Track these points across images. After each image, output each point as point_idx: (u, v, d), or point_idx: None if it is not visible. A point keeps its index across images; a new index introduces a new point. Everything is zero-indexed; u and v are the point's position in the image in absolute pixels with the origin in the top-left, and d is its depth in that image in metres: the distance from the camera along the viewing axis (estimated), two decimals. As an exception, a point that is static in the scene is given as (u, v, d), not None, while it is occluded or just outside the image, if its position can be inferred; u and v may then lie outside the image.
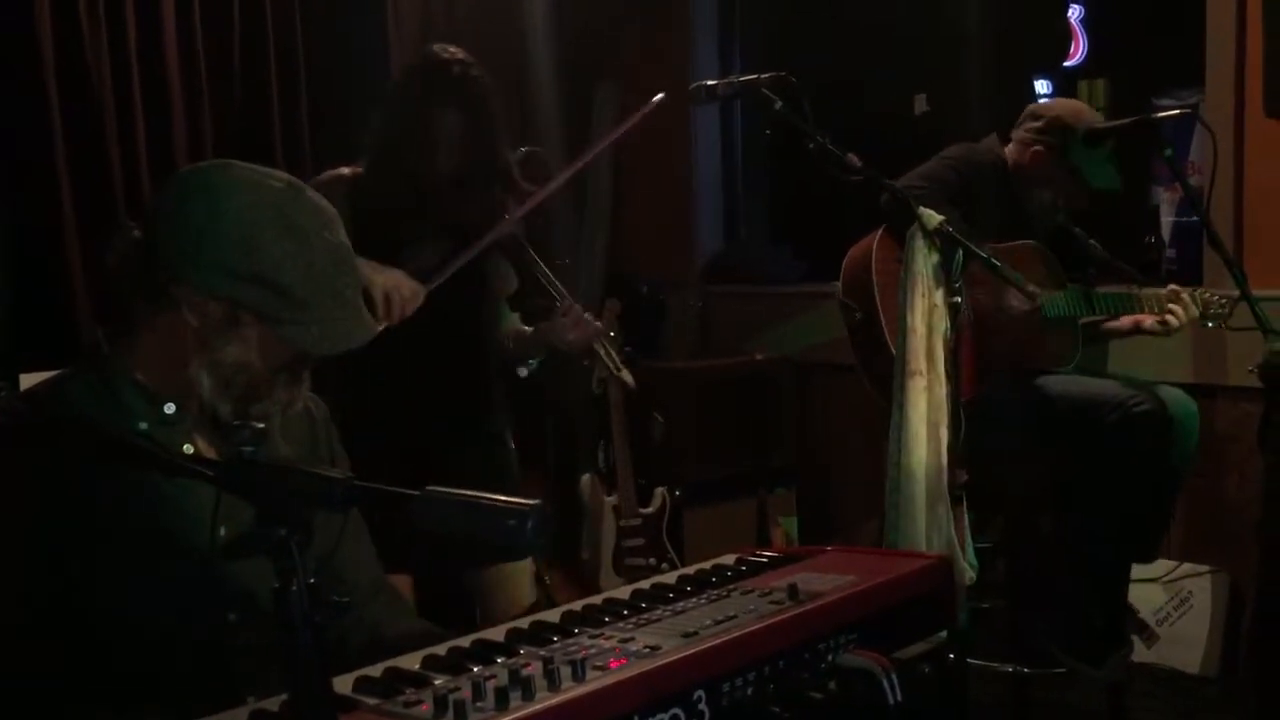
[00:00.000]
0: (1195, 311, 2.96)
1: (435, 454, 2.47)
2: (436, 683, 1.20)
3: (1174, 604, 3.46)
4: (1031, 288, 2.91)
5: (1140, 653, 3.40)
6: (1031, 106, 3.15)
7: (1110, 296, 3.05)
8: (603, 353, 2.58)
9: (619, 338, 2.85)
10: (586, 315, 2.51)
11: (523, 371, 2.62)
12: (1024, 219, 3.05)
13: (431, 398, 2.54)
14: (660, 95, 2.57)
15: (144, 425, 1.50)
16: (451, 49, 2.52)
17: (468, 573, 2.61)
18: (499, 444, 2.65)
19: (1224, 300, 2.95)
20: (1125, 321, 3.09)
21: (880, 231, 2.96)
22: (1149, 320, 3.02)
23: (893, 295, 2.80)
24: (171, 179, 1.58)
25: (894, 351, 2.42)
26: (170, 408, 1.52)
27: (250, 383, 1.51)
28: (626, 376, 2.66)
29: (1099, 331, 3.14)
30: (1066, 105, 3.12)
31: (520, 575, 2.66)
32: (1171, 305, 2.98)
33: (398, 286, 2.34)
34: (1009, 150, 3.10)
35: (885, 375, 2.53)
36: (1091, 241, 3.16)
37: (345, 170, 2.55)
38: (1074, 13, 4.14)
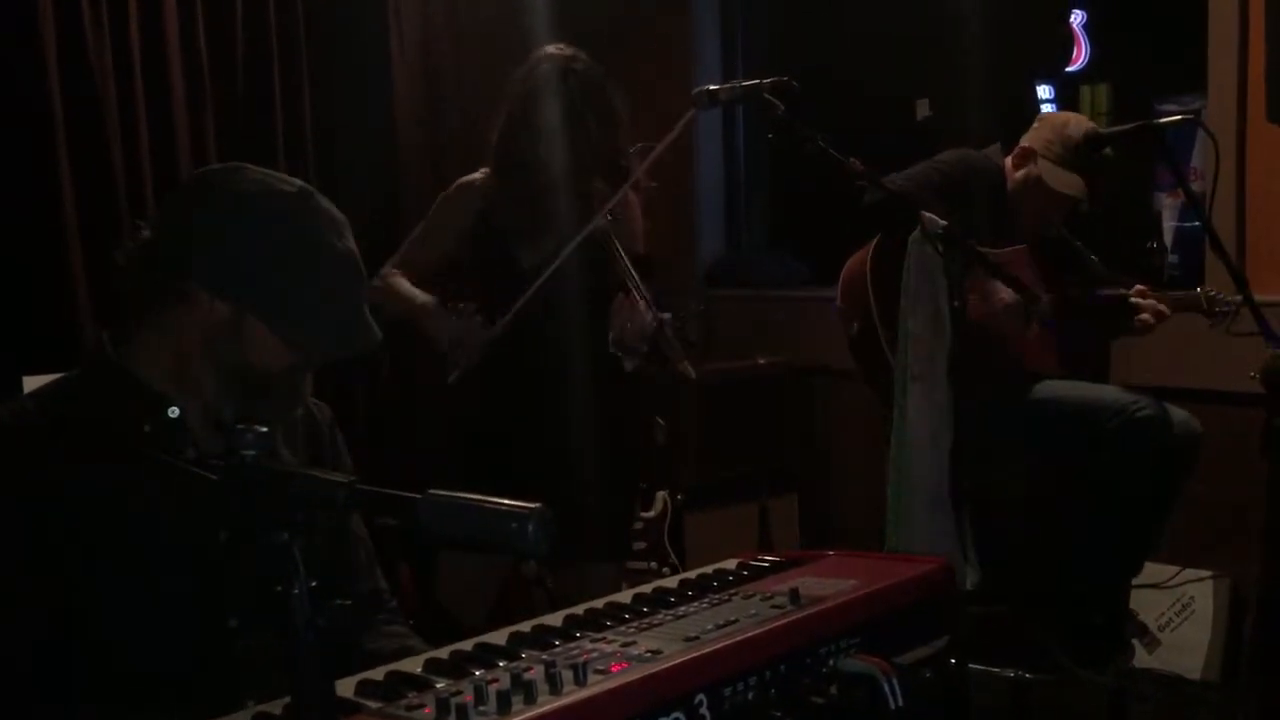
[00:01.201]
0: (1164, 310, 2.96)
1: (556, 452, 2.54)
2: (438, 686, 1.20)
3: (1175, 609, 3.45)
4: (1036, 293, 2.93)
5: (1142, 658, 3.40)
6: (1038, 122, 3.13)
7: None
8: (666, 346, 2.59)
9: (685, 328, 2.84)
10: (649, 310, 2.54)
11: (629, 365, 2.63)
12: (1019, 227, 3.04)
13: (558, 395, 2.59)
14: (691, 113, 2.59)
15: (147, 427, 1.50)
16: (566, 48, 2.59)
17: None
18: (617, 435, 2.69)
19: (1228, 299, 2.95)
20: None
21: (874, 243, 2.97)
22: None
23: (890, 306, 2.81)
24: (185, 182, 1.59)
25: (893, 362, 2.43)
26: (174, 410, 1.52)
27: (253, 384, 1.52)
28: (688, 368, 2.67)
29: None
30: (1066, 119, 3.08)
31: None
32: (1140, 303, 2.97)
33: (463, 337, 2.44)
34: (1009, 161, 3.10)
35: (886, 385, 2.53)
36: (1093, 258, 3.17)
37: (477, 176, 2.62)
38: (1076, 18, 4.14)
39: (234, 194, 1.50)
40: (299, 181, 1.56)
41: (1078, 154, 2.99)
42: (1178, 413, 2.96)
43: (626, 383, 2.71)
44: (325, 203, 1.55)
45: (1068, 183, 2.98)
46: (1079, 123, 3.04)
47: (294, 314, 1.49)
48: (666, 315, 2.58)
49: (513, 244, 2.56)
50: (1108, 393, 2.91)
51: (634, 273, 2.51)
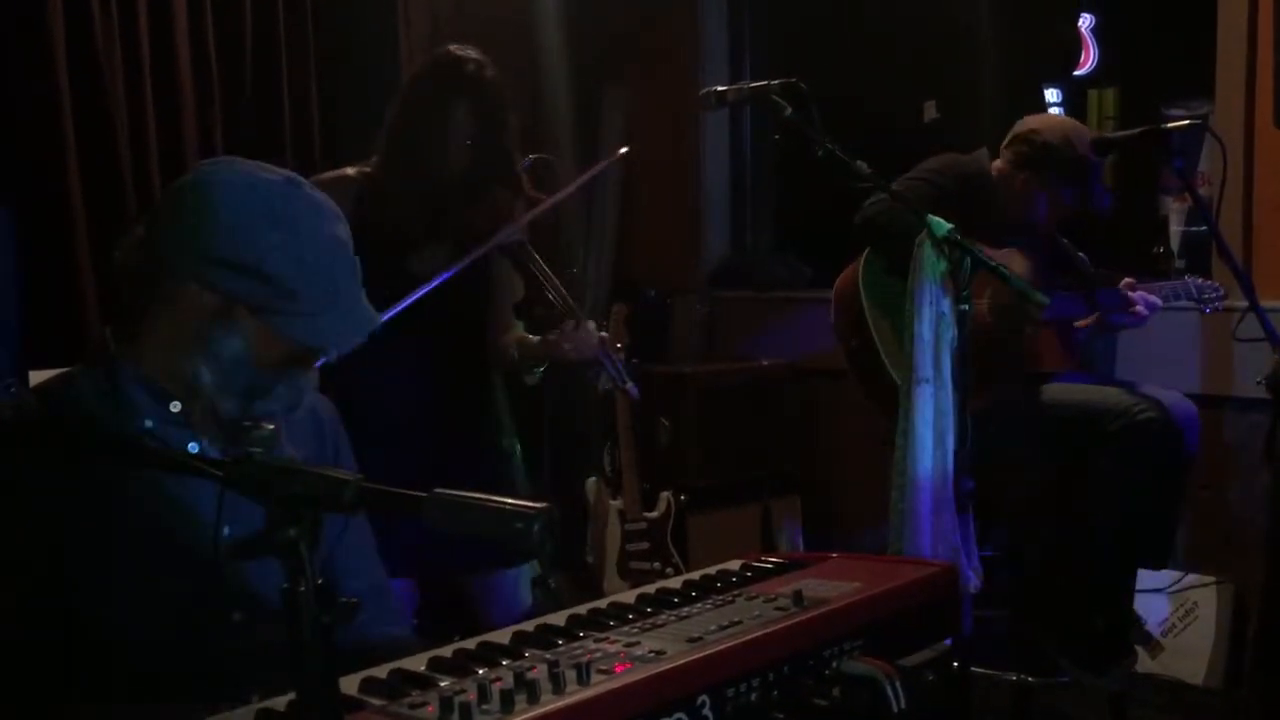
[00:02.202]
0: (1155, 299, 2.98)
1: (436, 469, 2.46)
2: (442, 684, 1.20)
3: (1179, 615, 3.45)
4: (1040, 296, 2.92)
5: (1145, 663, 3.39)
6: (1020, 126, 3.13)
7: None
8: (609, 366, 2.56)
9: (626, 347, 2.82)
10: (591, 328, 2.50)
11: (530, 380, 2.61)
12: (1009, 229, 3.04)
13: (434, 408, 2.53)
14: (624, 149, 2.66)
15: (150, 423, 1.51)
16: (465, 48, 2.52)
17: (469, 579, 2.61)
18: (503, 459, 2.63)
19: (1216, 286, 2.96)
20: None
21: (863, 257, 2.98)
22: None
23: (886, 321, 2.82)
24: (163, 193, 1.59)
25: (893, 378, 2.43)
26: (176, 406, 1.52)
27: (251, 379, 1.51)
28: (631, 389, 2.64)
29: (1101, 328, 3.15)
30: (1053, 129, 3.07)
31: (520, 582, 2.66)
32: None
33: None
34: (996, 165, 3.10)
35: (888, 398, 2.54)
36: (1080, 255, 3.17)
37: (350, 170, 2.54)
38: (1085, 21, 4.13)
39: (217, 184, 1.50)
40: (288, 172, 1.55)
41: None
42: (1172, 395, 2.95)
43: (504, 399, 2.66)
44: (314, 191, 1.54)
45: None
46: (1081, 139, 3.05)
47: (277, 301, 1.48)
48: (606, 334, 2.55)
49: (401, 248, 2.46)
50: (1110, 395, 2.91)
51: (563, 290, 2.48)
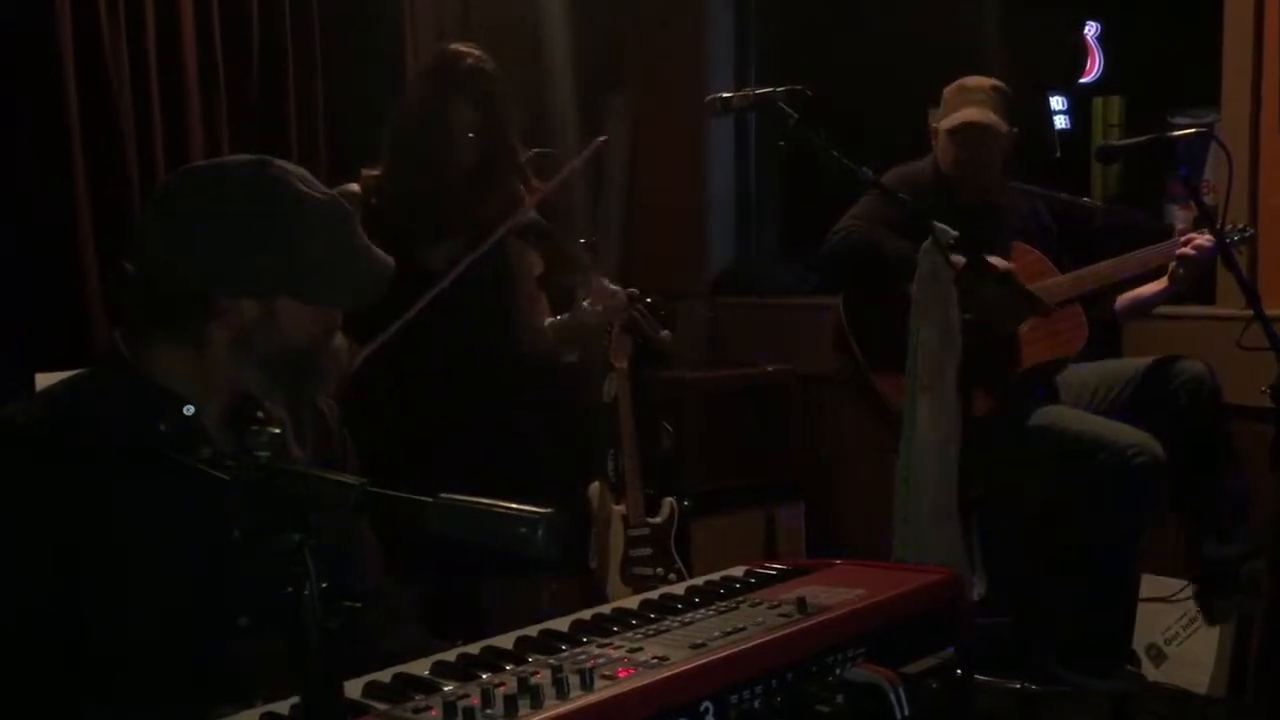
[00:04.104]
0: (1206, 239, 2.92)
1: (471, 468, 2.47)
2: (445, 689, 1.20)
3: (1183, 623, 3.44)
4: (1043, 300, 2.93)
5: (1148, 670, 3.39)
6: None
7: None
8: (639, 318, 2.58)
9: (656, 300, 2.82)
10: (611, 285, 2.53)
11: (571, 358, 2.62)
12: (967, 217, 3.04)
13: (466, 407, 2.54)
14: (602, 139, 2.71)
15: (161, 427, 1.51)
16: (463, 45, 2.55)
17: (478, 586, 2.61)
18: (532, 455, 2.65)
19: (1244, 228, 2.96)
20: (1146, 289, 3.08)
21: (842, 296, 3.06)
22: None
23: (873, 349, 2.85)
24: (149, 207, 1.59)
25: (888, 398, 2.43)
26: (189, 409, 1.52)
27: (295, 365, 1.53)
28: (666, 335, 2.65)
29: (1111, 311, 3.15)
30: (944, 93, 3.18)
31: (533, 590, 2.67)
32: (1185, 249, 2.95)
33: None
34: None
35: (887, 416, 2.56)
36: (1084, 201, 3.21)
37: (355, 185, 2.57)
38: (1090, 29, 4.14)
39: (203, 198, 1.49)
40: (247, 155, 1.56)
41: (957, 95, 3.09)
42: (1194, 365, 2.96)
43: (555, 386, 2.69)
44: (281, 163, 1.56)
45: (956, 116, 3.06)
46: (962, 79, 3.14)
47: (310, 274, 1.50)
48: (633, 290, 2.58)
49: (411, 244, 2.46)
50: (1107, 430, 2.90)
51: (581, 254, 2.52)
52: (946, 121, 3.09)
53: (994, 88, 3.11)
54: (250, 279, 1.48)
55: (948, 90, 3.16)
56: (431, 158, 2.48)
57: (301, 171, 1.56)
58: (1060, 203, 3.26)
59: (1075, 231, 3.28)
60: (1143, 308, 3.14)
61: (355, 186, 2.56)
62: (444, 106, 2.48)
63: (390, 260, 1.59)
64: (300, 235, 1.49)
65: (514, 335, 2.59)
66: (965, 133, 3.06)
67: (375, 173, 2.55)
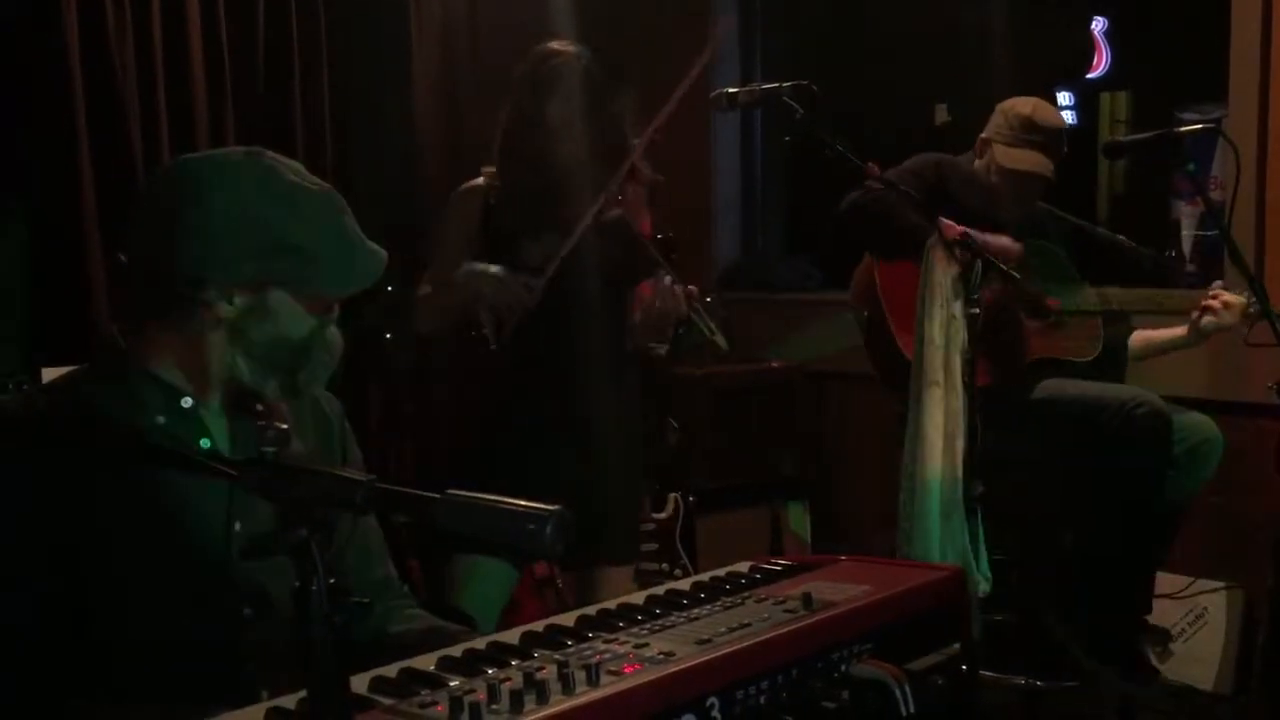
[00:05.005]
0: (1239, 302, 2.89)
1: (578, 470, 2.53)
2: (451, 684, 1.20)
3: (1189, 620, 3.44)
4: (1049, 301, 2.93)
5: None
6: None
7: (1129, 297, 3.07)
8: (699, 319, 2.59)
9: (714, 303, 2.84)
10: (677, 284, 2.55)
11: (661, 350, 2.64)
12: (1000, 222, 3.04)
13: (577, 406, 2.58)
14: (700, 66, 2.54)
15: (161, 419, 1.51)
16: (559, 44, 2.60)
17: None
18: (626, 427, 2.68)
19: (1251, 299, 2.96)
20: (1162, 334, 3.08)
21: None
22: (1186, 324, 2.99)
23: (899, 298, 2.82)
24: (141, 199, 1.59)
25: (904, 354, 2.42)
26: (188, 401, 1.53)
27: (289, 357, 1.53)
28: (721, 340, 2.67)
29: (1125, 339, 3.15)
30: (1005, 110, 3.11)
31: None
32: (1212, 301, 2.92)
33: (501, 290, 2.40)
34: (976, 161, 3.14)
35: (900, 379, 2.54)
36: (1121, 238, 3.19)
37: (480, 180, 2.63)
38: (1097, 25, 4.13)
39: (200, 187, 1.49)
40: (243, 148, 1.56)
41: (1027, 131, 3.03)
42: (1196, 416, 2.95)
43: (638, 378, 2.72)
44: (271, 155, 1.55)
45: (1021, 159, 3.02)
46: (1026, 102, 3.08)
47: (301, 265, 1.49)
48: (693, 288, 2.59)
49: (518, 243, 2.55)
50: (1107, 390, 2.92)
51: (659, 255, 2.53)
52: (1009, 159, 3.02)
53: (1062, 131, 3.06)
54: (241, 270, 1.48)
55: (1011, 112, 3.06)
56: (530, 158, 2.51)
57: (294, 163, 1.56)
58: (1103, 238, 3.24)
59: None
60: (1154, 351, 3.15)
61: (480, 181, 2.62)
62: (539, 107, 2.52)
63: (383, 252, 1.58)
64: (292, 226, 1.49)
65: (616, 330, 2.62)
66: (1026, 181, 3.04)
67: (485, 179, 2.61)
